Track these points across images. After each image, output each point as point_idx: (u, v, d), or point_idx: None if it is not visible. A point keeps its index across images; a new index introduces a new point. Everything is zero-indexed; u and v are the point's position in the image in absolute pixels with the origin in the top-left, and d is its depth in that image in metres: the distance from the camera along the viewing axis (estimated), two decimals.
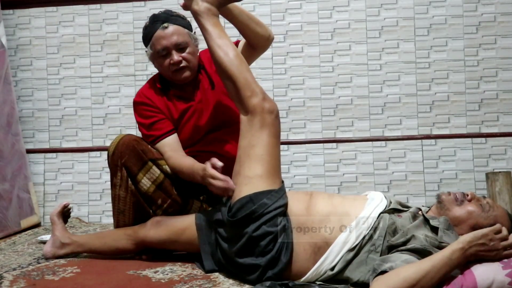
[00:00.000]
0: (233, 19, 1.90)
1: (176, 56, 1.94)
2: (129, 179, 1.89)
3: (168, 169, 1.92)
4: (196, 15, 1.80)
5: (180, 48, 1.95)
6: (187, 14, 1.91)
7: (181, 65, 1.96)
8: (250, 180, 1.62)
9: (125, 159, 1.88)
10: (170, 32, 1.93)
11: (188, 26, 2.01)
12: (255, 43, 1.97)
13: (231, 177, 1.68)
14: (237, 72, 1.70)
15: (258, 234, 1.55)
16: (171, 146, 1.95)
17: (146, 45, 2.01)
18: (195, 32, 2.02)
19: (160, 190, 1.90)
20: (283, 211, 1.59)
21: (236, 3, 1.87)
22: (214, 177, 1.66)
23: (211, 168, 1.68)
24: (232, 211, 1.60)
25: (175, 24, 1.95)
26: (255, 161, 1.63)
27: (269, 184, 1.62)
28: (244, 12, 1.93)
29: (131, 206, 1.92)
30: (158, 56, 1.97)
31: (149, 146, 1.96)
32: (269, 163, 1.64)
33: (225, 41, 1.75)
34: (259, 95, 1.67)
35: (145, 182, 1.88)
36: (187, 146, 2.02)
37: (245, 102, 1.68)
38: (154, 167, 1.90)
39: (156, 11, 2.03)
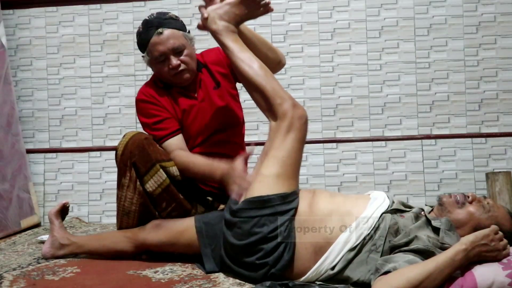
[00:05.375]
0: (245, 42, 1.90)
1: (174, 61, 1.91)
2: (137, 180, 1.87)
3: (174, 172, 1.89)
4: (215, 34, 1.81)
5: (178, 51, 1.92)
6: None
7: (180, 68, 1.93)
8: (265, 178, 1.62)
9: (135, 159, 1.84)
10: (166, 37, 1.90)
11: (182, 27, 1.98)
12: None
13: None
14: (264, 82, 1.72)
15: (264, 236, 1.55)
16: (178, 146, 1.93)
17: (142, 51, 1.99)
18: (189, 31, 1.99)
19: (166, 194, 1.88)
20: (292, 215, 1.59)
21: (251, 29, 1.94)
22: (241, 177, 1.64)
23: (240, 165, 1.66)
24: (241, 210, 1.60)
25: (169, 27, 1.92)
26: (275, 161, 1.64)
27: (283, 186, 1.61)
28: (257, 36, 1.97)
29: (138, 208, 1.89)
30: (156, 62, 1.95)
31: (158, 146, 1.92)
32: (288, 166, 1.64)
33: (247, 54, 1.78)
34: (289, 101, 1.68)
35: (151, 184, 1.86)
36: (191, 148, 2.00)
37: (275, 109, 1.69)
38: (161, 170, 1.86)
39: (156, 11, 2.01)
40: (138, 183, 1.87)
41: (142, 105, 1.99)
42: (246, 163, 1.70)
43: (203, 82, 2.03)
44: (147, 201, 1.88)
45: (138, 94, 2.03)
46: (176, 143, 1.93)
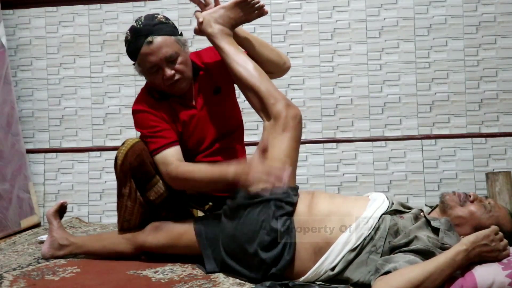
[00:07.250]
0: (245, 45, 1.91)
1: (168, 71, 1.77)
2: (137, 191, 1.85)
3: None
4: (211, 37, 1.85)
5: (171, 60, 1.78)
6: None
7: (175, 78, 1.79)
8: None
9: (135, 171, 1.81)
10: (157, 47, 1.74)
11: (173, 31, 1.82)
12: (268, 69, 1.92)
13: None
14: (258, 83, 1.76)
15: (266, 227, 1.56)
16: (176, 157, 1.80)
17: (132, 60, 1.85)
18: (181, 34, 1.86)
19: (165, 204, 1.86)
20: (292, 210, 1.60)
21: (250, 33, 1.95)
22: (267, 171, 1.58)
23: (258, 159, 1.59)
24: (248, 195, 1.62)
25: (160, 34, 1.76)
26: (272, 160, 1.65)
27: None
28: (257, 40, 1.96)
29: (138, 216, 1.88)
30: (149, 73, 1.82)
31: None
32: (285, 164, 1.65)
33: (242, 56, 1.82)
34: (282, 101, 1.72)
35: (152, 194, 1.85)
36: (192, 157, 1.91)
37: (269, 109, 1.72)
38: (160, 182, 1.83)
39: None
40: (138, 194, 1.86)
41: (140, 115, 1.87)
42: (263, 154, 1.63)
43: (201, 87, 1.92)
44: (147, 211, 1.88)
45: (134, 104, 1.91)
46: (174, 154, 1.81)
